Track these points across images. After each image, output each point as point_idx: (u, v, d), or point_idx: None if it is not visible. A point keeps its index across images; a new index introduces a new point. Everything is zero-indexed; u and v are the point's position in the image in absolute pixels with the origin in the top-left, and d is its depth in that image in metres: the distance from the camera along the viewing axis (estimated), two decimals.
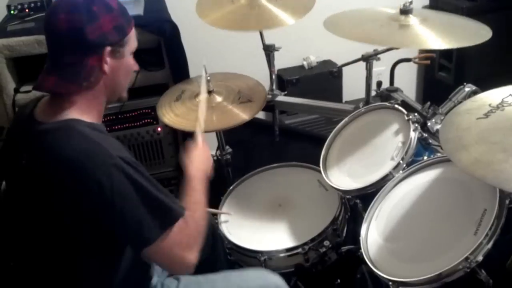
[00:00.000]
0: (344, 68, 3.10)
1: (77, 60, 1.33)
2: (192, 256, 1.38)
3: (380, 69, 2.94)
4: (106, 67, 1.36)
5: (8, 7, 2.42)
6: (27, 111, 1.44)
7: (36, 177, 1.36)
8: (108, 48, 1.35)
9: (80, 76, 1.34)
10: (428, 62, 2.48)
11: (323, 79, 3.14)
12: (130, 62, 1.44)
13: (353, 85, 3.10)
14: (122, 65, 1.41)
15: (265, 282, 1.61)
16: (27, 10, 2.42)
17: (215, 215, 1.92)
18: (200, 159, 1.62)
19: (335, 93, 3.18)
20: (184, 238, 1.36)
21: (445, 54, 3.12)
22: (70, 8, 1.32)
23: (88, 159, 1.26)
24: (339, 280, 1.92)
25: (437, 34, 1.68)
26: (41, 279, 1.57)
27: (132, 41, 1.43)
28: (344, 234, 1.83)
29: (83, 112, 1.37)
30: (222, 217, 1.90)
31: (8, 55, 2.19)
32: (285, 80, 3.07)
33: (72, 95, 1.36)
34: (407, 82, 3.49)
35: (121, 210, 1.28)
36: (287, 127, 2.88)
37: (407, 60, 2.41)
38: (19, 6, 2.42)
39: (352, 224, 1.88)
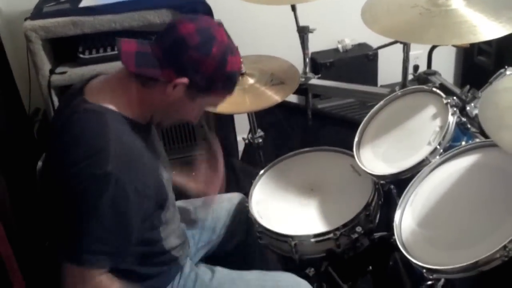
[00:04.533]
0: (380, 52, 3.04)
1: (158, 59, 1.30)
2: None
3: (418, 53, 2.89)
4: (169, 90, 1.31)
5: None
6: (79, 85, 1.42)
7: (55, 144, 1.37)
8: (185, 79, 1.30)
9: (145, 66, 1.31)
10: (468, 45, 2.41)
11: (358, 63, 3.08)
12: (194, 111, 1.41)
13: (389, 69, 3.03)
14: (186, 106, 1.37)
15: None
16: None
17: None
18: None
19: (371, 77, 3.12)
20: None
21: None
22: (201, 28, 1.30)
23: (88, 155, 1.24)
24: (371, 267, 1.89)
25: (484, 18, 1.60)
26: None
27: (213, 102, 1.42)
28: (377, 220, 1.79)
29: (126, 104, 1.34)
30: (253, 200, 1.88)
31: (44, 36, 2.20)
32: (319, 64, 3.02)
33: (125, 80, 1.34)
34: (445, 66, 3.41)
35: (72, 215, 1.26)
36: (320, 111, 2.85)
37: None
38: None
39: (386, 210, 1.84)
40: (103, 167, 1.22)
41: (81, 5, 2.29)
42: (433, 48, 2.67)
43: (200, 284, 1.53)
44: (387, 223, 1.74)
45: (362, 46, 3.15)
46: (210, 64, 1.30)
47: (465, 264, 1.24)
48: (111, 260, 1.28)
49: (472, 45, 3.06)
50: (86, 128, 1.27)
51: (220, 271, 1.58)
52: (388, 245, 1.75)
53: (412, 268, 1.67)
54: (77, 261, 1.25)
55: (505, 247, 1.21)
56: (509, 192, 1.33)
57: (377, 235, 1.81)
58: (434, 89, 1.72)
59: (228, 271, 1.59)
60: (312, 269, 1.75)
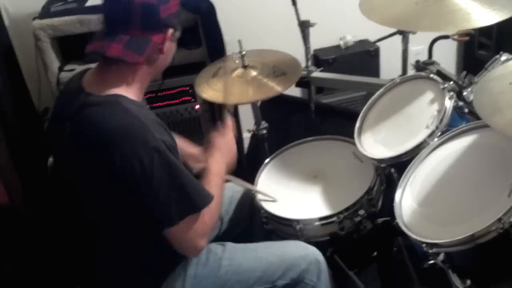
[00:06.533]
0: (381, 47, 3.08)
1: (144, 34, 1.39)
2: (203, 242, 1.46)
3: (419, 48, 2.92)
4: (165, 48, 1.44)
5: None
6: (75, 81, 1.51)
7: (77, 146, 1.42)
8: (171, 30, 1.43)
9: (145, 49, 1.40)
10: (467, 38, 2.45)
11: (360, 59, 3.12)
12: (175, 47, 1.52)
13: (390, 64, 3.07)
14: (171, 48, 1.50)
15: (305, 253, 1.65)
16: None
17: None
18: (223, 150, 1.65)
19: (372, 72, 3.15)
20: (200, 225, 1.42)
21: (485, 31, 3.05)
22: None
23: (132, 136, 1.32)
24: (375, 253, 1.93)
25: (478, 5, 1.65)
26: (83, 247, 1.65)
27: (180, 29, 1.51)
28: (379, 205, 1.83)
29: (128, 88, 1.43)
30: (259, 187, 1.93)
31: (52, 34, 2.27)
32: (321, 60, 3.06)
33: (127, 68, 1.42)
34: (446, 60, 3.43)
35: (155, 190, 1.34)
36: (322, 104, 2.89)
37: (446, 37, 2.38)
38: None
39: (389, 197, 1.88)
40: (152, 138, 1.33)
41: (88, 4, 2.35)
42: (433, 42, 2.71)
43: (213, 257, 1.59)
44: (390, 210, 1.78)
45: (364, 42, 3.18)
46: (173, 3, 1.42)
47: (462, 237, 1.28)
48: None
49: (472, 39, 3.09)
50: (113, 119, 1.35)
51: (230, 244, 1.64)
52: (391, 229, 1.78)
53: (416, 253, 1.72)
54: (193, 209, 1.40)
55: (500, 219, 1.25)
56: (504, 168, 1.37)
57: (380, 220, 1.85)
58: (431, 75, 1.77)
59: (238, 244, 1.65)
60: None
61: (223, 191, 1.59)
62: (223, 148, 1.66)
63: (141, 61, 1.40)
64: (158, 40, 1.41)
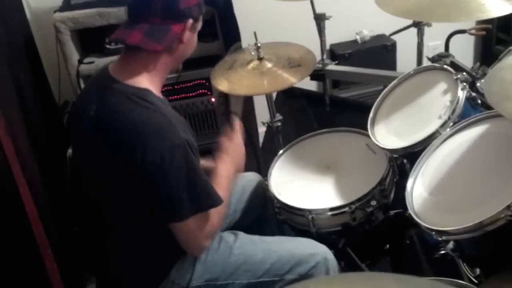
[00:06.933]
0: (398, 42, 3.08)
1: (164, 23, 1.44)
2: (207, 242, 1.51)
3: (436, 43, 2.92)
4: (184, 37, 1.47)
5: None
6: (101, 71, 1.56)
7: (98, 131, 1.46)
8: (191, 21, 1.47)
9: (164, 38, 1.44)
10: (484, 33, 2.45)
11: (376, 53, 3.12)
12: (196, 39, 1.57)
13: (407, 60, 3.05)
14: (192, 40, 1.54)
15: (314, 250, 1.66)
16: None
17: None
18: (232, 154, 1.69)
19: (389, 67, 3.13)
20: (208, 227, 1.47)
21: (503, 26, 3.04)
22: None
23: (157, 131, 1.37)
24: (388, 246, 1.94)
25: None
26: (98, 241, 1.69)
27: (201, 20, 1.55)
28: (391, 196, 1.84)
29: (150, 78, 1.48)
30: (272, 178, 1.95)
31: (72, 27, 2.31)
32: (337, 55, 3.07)
33: (148, 57, 1.46)
34: (464, 55, 3.41)
35: (169, 185, 1.39)
36: (337, 98, 2.90)
37: (462, 31, 2.38)
38: None
39: (401, 190, 1.89)
40: (177, 136, 1.38)
41: None
42: (450, 36, 2.70)
43: (224, 245, 1.62)
44: (403, 201, 1.79)
45: (380, 37, 3.18)
46: None
47: (470, 224, 1.29)
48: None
49: (490, 34, 3.08)
50: (140, 113, 1.40)
51: (242, 234, 1.67)
52: (403, 220, 1.79)
53: (428, 245, 1.72)
54: (201, 208, 1.44)
55: (509, 206, 1.25)
56: None
57: (392, 212, 1.86)
58: (445, 66, 1.77)
59: (250, 235, 1.68)
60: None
61: (231, 194, 1.63)
62: (232, 152, 1.70)
63: (160, 49, 1.44)
64: (178, 29, 1.46)
